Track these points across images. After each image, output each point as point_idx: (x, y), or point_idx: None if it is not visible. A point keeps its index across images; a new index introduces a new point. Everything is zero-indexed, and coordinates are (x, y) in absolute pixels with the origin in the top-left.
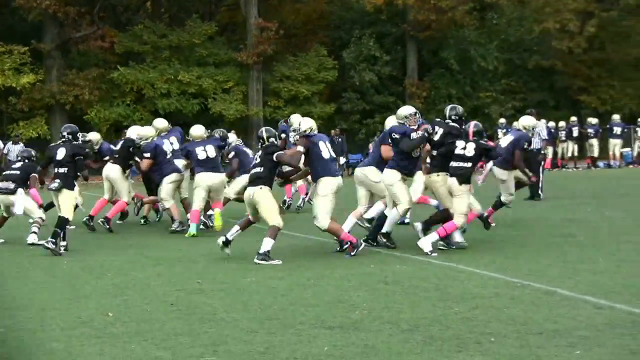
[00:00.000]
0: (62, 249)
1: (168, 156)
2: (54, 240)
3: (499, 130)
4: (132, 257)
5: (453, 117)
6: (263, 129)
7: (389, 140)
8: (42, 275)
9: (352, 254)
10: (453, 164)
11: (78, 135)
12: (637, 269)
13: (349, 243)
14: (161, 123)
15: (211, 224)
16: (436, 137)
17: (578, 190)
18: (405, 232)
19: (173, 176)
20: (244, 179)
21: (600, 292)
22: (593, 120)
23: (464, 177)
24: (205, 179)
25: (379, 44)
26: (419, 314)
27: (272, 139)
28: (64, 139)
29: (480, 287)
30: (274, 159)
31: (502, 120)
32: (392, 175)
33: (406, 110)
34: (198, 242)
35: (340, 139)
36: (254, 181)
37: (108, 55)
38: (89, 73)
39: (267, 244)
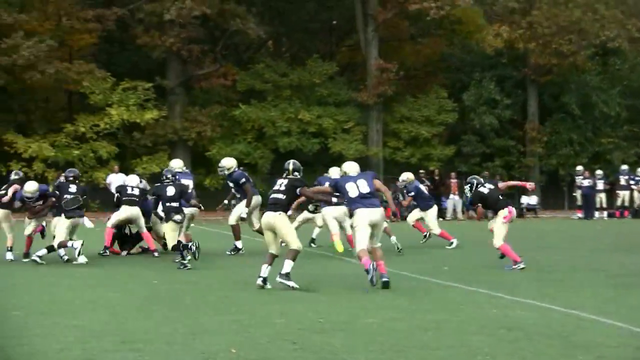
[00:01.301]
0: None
1: None
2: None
3: (621, 177)
4: (255, 294)
5: None
6: (291, 161)
7: None
8: (165, 310)
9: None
10: None
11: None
12: None
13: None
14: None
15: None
16: None
17: None
18: (528, 276)
19: None
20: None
21: None
22: None
23: None
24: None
25: (500, 87)
26: None
27: (296, 173)
28: (167, 180)
29: (604, 336)
30: (297, 192)
31: (625, 167)
32: None
33: None
34: (321, 280)
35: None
36: (274, 206)
37: (230, 93)
38: (211, 110)
39: (287, 265)
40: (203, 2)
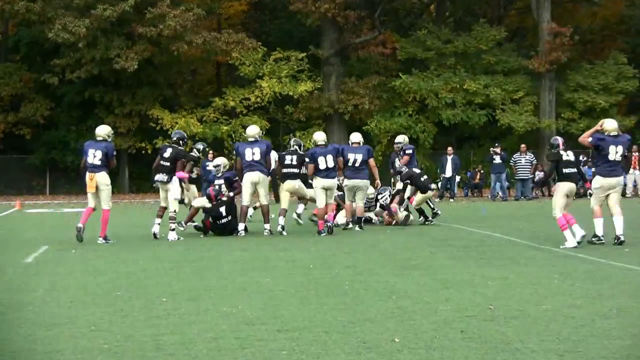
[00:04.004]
0: None
1: None
2: None
3: None
4: (418, 279)
5: None
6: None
7: None
8: (323, 296)
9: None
10: None
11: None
12: None
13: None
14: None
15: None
16: None
17: None
18: None
19: None
20: None
21: None
22: None
23: None
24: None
25: None
26: None
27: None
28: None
29: None
30: None
31: None
32: None
33: None
34: (488, 265)
35: None
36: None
37: (389, 62)
38: (369, 81)
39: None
40: None
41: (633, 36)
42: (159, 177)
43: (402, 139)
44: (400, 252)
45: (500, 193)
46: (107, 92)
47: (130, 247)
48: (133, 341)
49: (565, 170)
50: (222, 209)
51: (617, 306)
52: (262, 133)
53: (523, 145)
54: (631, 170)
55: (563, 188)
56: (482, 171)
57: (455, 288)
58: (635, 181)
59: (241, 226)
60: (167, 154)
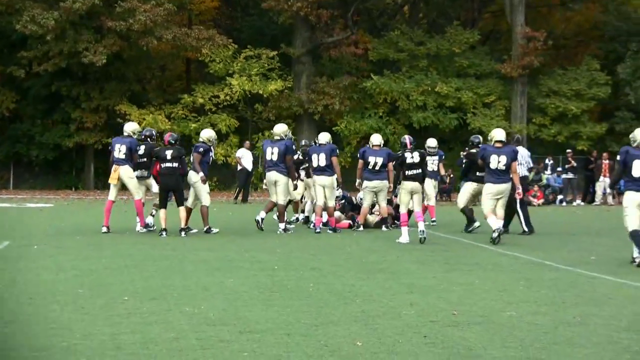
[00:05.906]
0: None
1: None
2: None
3: None
4: (383, 283)
5: None
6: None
7: None
8: (286, 298)
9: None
10: None
11: None
12: None
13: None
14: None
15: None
16: None
17: None
18: None
19: None
20: None
21: None
22: None
23: None
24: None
25: None
26: None
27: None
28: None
29: None
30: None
31: None
32: None
33: None
34: (454, 270)
35: None
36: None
37: (361, 63)
38: (340, 81)
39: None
40: None
41: (606, 42)
42: (139, 173)
43: (435, 142)
44: (366, 255)
45: None
46: (75, 86)
47: (93, 244)
48: (92, 340)
49: (409, 172)
50: (168, 153)
51: (581, 314)
52: (230, 131)
53: None
54: (601, 178)
55: (407, 187)
56: (451, 175)
57: (420, 292)
58: (605, 189)
59: (281, 226)
60: (141, 151)
